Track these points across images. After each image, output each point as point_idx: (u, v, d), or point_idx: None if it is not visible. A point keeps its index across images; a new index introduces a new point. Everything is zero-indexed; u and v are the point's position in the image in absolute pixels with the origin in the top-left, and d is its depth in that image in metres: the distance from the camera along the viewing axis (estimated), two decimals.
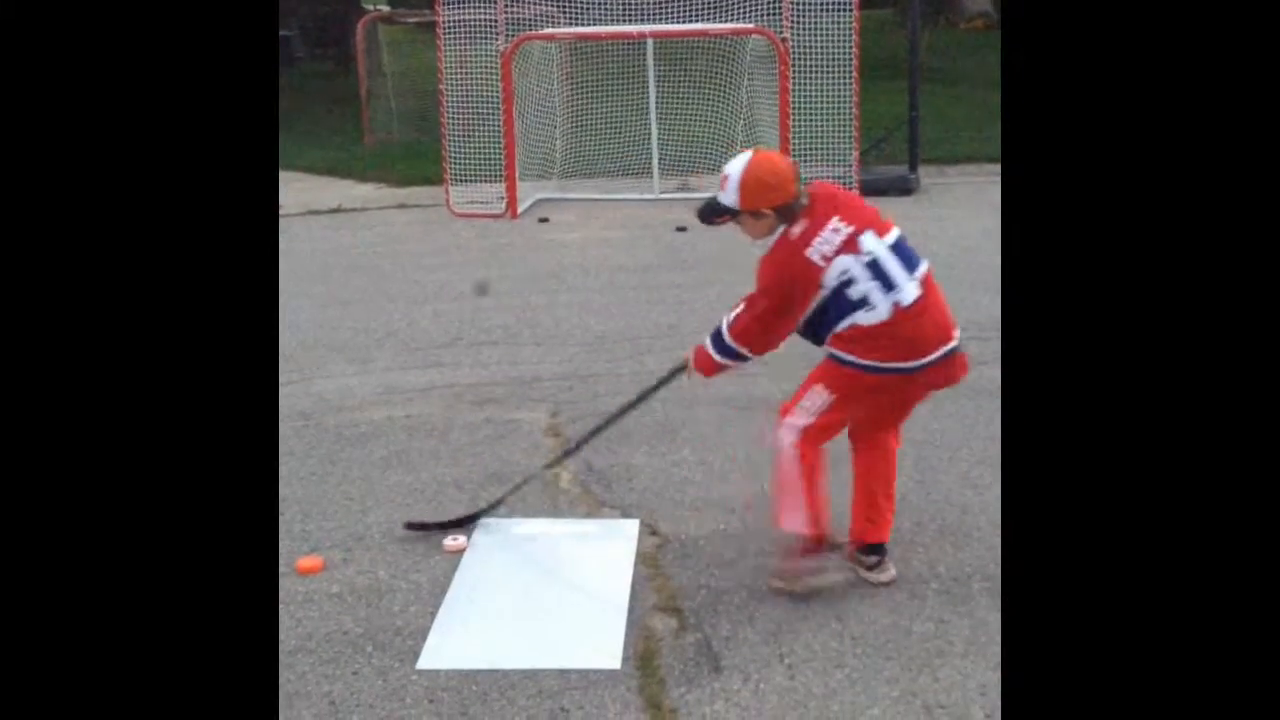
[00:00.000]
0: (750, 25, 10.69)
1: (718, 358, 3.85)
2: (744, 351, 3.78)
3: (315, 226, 10.48)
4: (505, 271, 8.56)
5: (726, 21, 10.84)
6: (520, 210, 10.59)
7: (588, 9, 11.16)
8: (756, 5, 10.76)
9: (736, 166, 3.62)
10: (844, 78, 10.42)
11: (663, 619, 3.69)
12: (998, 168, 10.22)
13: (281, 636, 3.62)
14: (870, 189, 9.87)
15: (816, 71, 10.46)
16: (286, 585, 3.96)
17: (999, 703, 3.17)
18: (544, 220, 10.36)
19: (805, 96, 10.48)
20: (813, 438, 3.65)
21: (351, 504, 4.60)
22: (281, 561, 4.08)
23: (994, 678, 3.30)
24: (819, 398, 3.63)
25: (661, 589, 3.87)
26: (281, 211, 10.09)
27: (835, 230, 3.52)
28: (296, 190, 11.88)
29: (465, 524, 4.29)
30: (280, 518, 4.42)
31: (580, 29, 11.16)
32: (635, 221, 10.23)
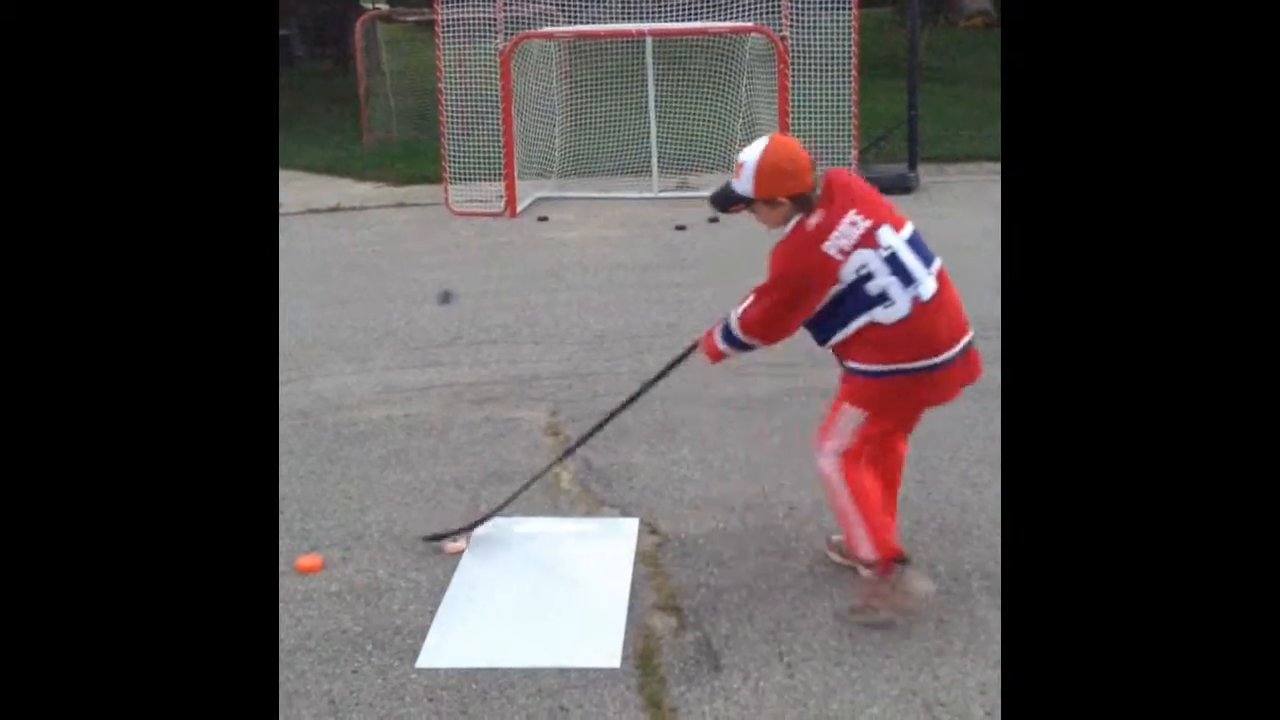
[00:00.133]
0: (749, 24, 10.69)
1: (724, 347, 3.80)
2: (752, 343, 3.71)
3: (314, 225, 10.47)
4: (504, 270, 8.56)
5: (726, 20, 10.84)
6: (519, 209, 10.59)
7: (587, 7, 11.16)
8: (756, 4, 10.76)
9: (753, 153, 3.51)
10: (843, 76, 10.42)
11: (662, 618, 3.69)
12: (997, 166, 10.24)
13: (281, 635, 3.62)
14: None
15: (816, 70, 10.46)
16: (286, 584, 3.95)
17: (999, 701, 3.17)
18: (543, 219, 10.36)
19: (804, 95, 10.48)
20: (854, 456, 3.57)
21: (351, 503, 4.60)
22: (281, 560, 4.07)
23: (994, 676, 3.30)
24: (851, 417, 3.55)
25: (661, 588, 3.87)
26: (280, 210, 10.09)
27: (853, 223, 3.43)
28: (295, 189, 11.87)
29: (477, 526, 4.24)
30: (280, 516, 4.41)
31: (579, 27, 11.16)
32: (634, 220, 10.23)
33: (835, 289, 3.44)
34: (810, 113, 10.46)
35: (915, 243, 3.51)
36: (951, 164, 12.21)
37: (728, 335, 3.75)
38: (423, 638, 3.62)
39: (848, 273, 3.41)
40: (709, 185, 11.18)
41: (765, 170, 3.48)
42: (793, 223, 3.51)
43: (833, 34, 10.44)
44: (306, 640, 3.63)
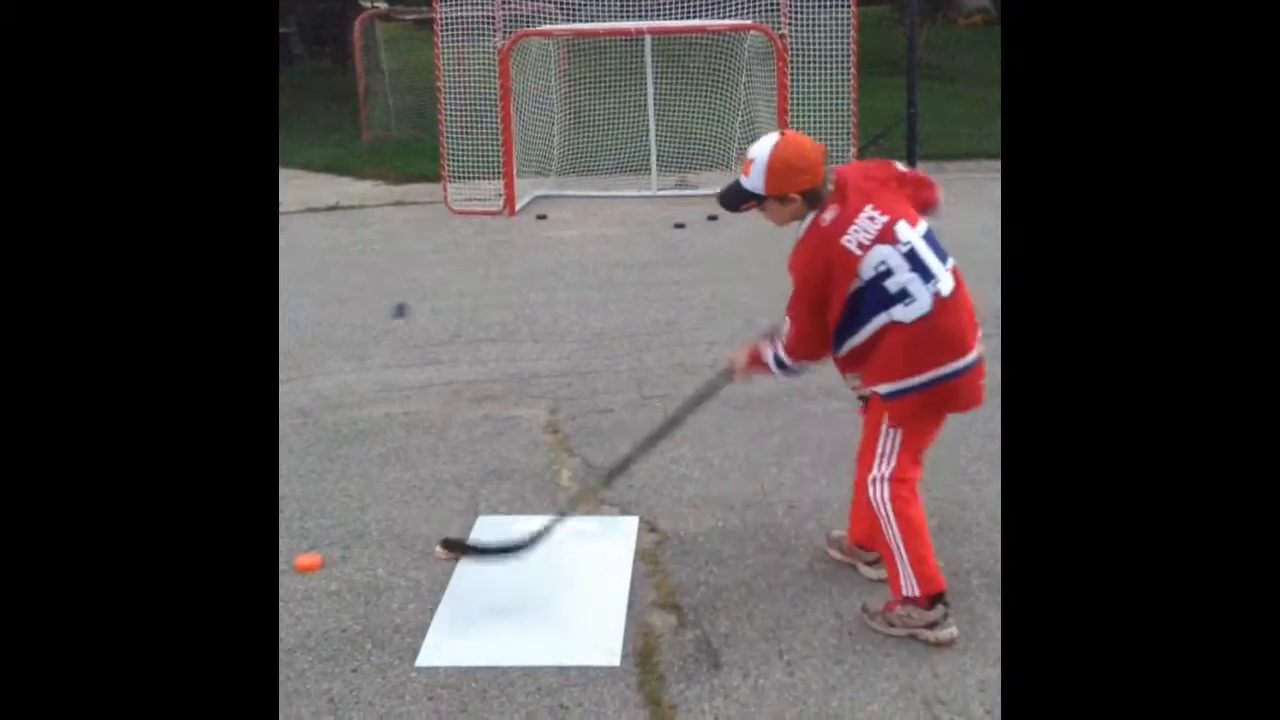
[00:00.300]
0: (748, 21, 10.69)
1: (780, 375, 3.65)
2: (806, 365, 3.59)
3: (313, 224, 10.47)
4: (503, 269, 8.56)
5: (725, 18, 10.84)
6: (518, 207, 10.59)
7: (586, 5, 11.16)
8: (755, 1, 10.76)
9: (763, 149, 3.40)
10: (842, 74, 10.43)
11: (662, 616, 3.69)
12: (997, 164, 10.24)
13: (281, 634, 3.62)
14: None
15: (815, 68, 10.46)
16: (285, 583, 3.95)
17: (999, 699, 3.17)
18: (542, 217, 10.36)
19: (803, 93, 10.48)
20: (906, 483, 3.50)
21: (350, 501, 4.60)
22: (280, 559, 4.07)
23: (993, 673, 3.31)
24: (891, 438, 3.49)
25: (661, 586, 3.87)
26: (280, 209, 10.08)
27: (870, 218, 3.34)
28: (295, 188, 11.87)
29: (495, 555, 4.00)
30: (279, 515, 4.41)
31: (578, 25, 11.16)
32: (633, 218, 10.23)
33: (853, 286, 3.34)
34: (809, 110, 10.46)
35: (930, 238, 3.43)
36: (950, 162, 12.21)
37: (779, 363, 3.59)
38: (422, 636, 3.62)
39: (866, 269, 3.32)
40: (708, 183, 11.24)
41: (776, 166, 3.38)
42: (807, 220, 3.42)
43: (831, 32, 10.44)
44: (306, 639, 3.63)
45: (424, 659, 3.50)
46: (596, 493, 3.94)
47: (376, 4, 20.75)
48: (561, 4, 11.59)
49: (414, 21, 17.60)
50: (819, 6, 10.42)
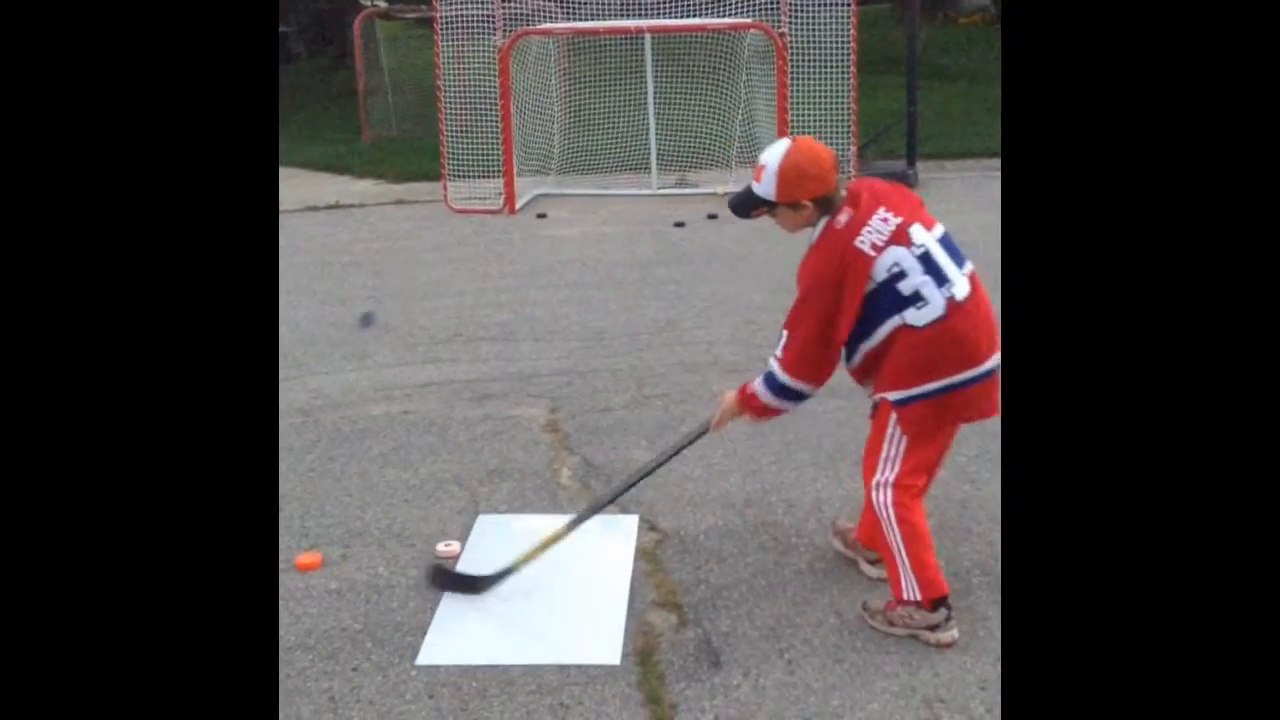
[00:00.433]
0: (748, 20, 10.68)
1: (771, 400, 3.51)
2: (803, 388, 3.46)
3: (313, 223, 10.46)
4: (503, 267, 8.56)
5: (724, 16, 10.83)
6: (518, 206, 10.58)
7: (586, 4, 11.14)
8: (754, 0, 10.75)
9: (774, 155, 3.39)
10: (842, 72, 10.42)
11: (662, 615, 3.69)
12: (997, 162, 10.24)
13: (281, 633, 3.62)
14: None
15: (814, 66, 10.45)
16: (285, 582, 3.96)
17: (999, 698, 3.17)
18: (542, 216, 10.35)
19: (803, 91, 10.46)
20: (909, 489, 3.47)
21: (350, 500, 4.60)
22: (280, 558, 4.08)
23: (994, 673, 3.31)
24: (895, 444, 3.45)
25: (661, 584, 3.87)
26: (280, 208, 10.07)
27: (884, 220, 3.32)
28: (294, 186, 11.86)
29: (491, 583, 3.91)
30: (279, 514, 4.42)
31: (578, 24, 11.15)
32: (633, 217, 10.23)
33: (866, 289, 3.30)
34: (809, 109, 10.45)
35: (946, 242, 3.40)
36: (950, 160, 12.21)
37: (772, 383, 3.48)
38: (422, 635, 3.62)
39: (879, 271, 3.29)
40: (708, 182, 11.24)
41: (787, 172, 3.36)
42: (821, 225, 3.39)
43: (831, 30, 10.42)
44: (306, 637, 3.63)
45: (424, 657, 3.50)
46: (560, 537, 3.91)
47: (376, 2, 20.74)
48: (561, 3, 11.58)
49: (414, 20, 17.60)
50: (819, 5, 10.41)
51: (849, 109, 10.47)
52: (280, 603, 3.79)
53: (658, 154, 11.42)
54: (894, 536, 3.46)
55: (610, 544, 4.16)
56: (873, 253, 3.29)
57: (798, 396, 3.49)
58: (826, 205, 3.38)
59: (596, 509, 4.00)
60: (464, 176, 10.84)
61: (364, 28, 15.42)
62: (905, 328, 3.32)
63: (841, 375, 3.65)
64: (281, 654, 3.52)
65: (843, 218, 3.35)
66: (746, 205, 3.49)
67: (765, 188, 3.40)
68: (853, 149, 10.52)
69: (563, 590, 3.87)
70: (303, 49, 22.05)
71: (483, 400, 5.70)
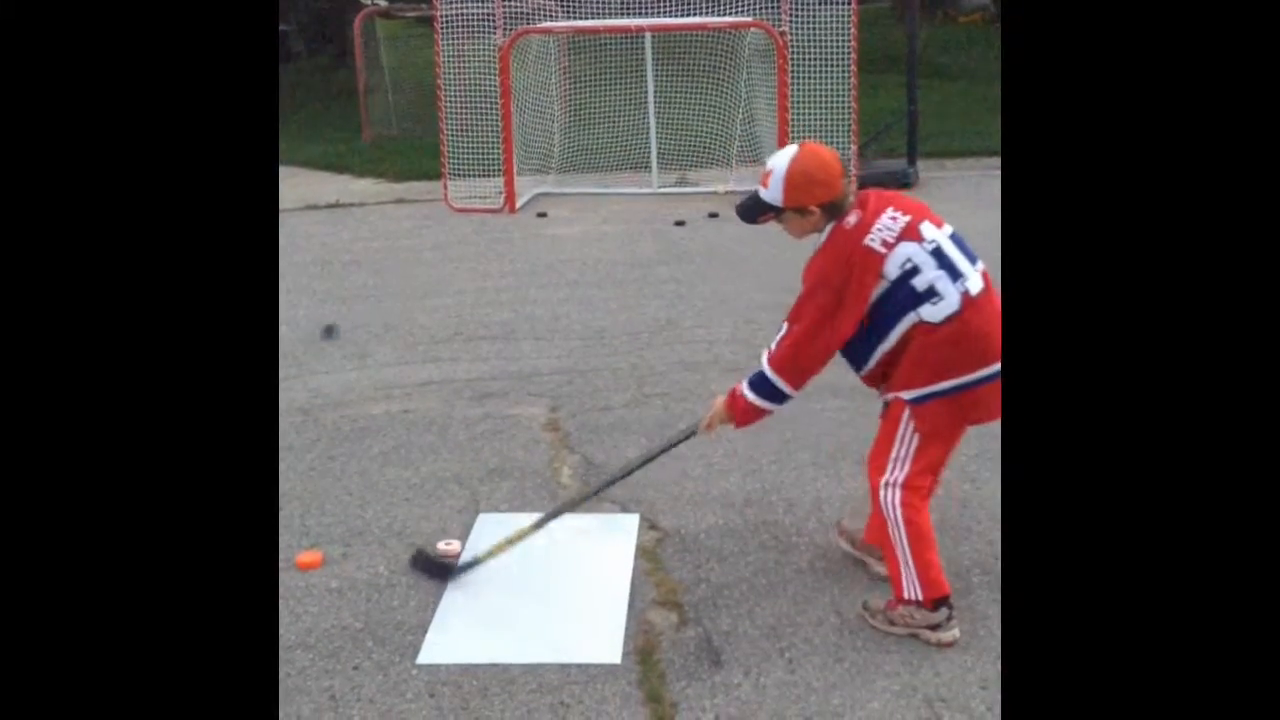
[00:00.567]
0: (749, 19, 10.68)
1: (755, 399, 3.49)
2: (784, 387, 3.43)
3: (313, 222, 10.47)
4: (503, 266, 8.56)
5: (725, 15, 10.83)
6: (518, 205, 10.58)
7: (586, 2, 11.14)
8: None
9: (781, 161, 3.38)
10: (842, 71, 10.42)
11: (663, 613, 3.70)
12: (997, 161, 10.24)
13: (281, 631, 3.62)
14: (869, 183, 9.88)
15: (815, 65, 10.45)
16: (286, 580, 3.96)
17: (1000, 697, 3.17)
18: (542, 215, 10.36)
19: (804, 90, 10.46)
20: (914, 484, 3.45)
21: (350, 499, 4.60)
22: (281, 556, 4.08)
23: (995, 671, 3.31)
24: (907, 444, 3.44)
25: (661, 583, 3.88)
26: (280, 207, 10.08)
27: (893, 218, 3.31)
28: (294, 185, 11.86)
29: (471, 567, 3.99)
30: (280, 513, 4.42)
31: (578, 23, 11.15)
32: (633, 216, 10.23)
33: (879, 288, 3.29)
34: (809, 108, 10.45)
35: (957, 239, 3.40)
36: (951, 159, 12.21)
37: (760, 383, 3.47)
38: (423, 634, 3.62)
39: (892, 268, 3.28)
40: (708, 180, 11.24)
41: (794, 178, 3.35)
42: (829, 227, 3.38)
43: (832, 29, 10.43)
44: (307, 636, 3.63)
45: (425, 656, 3.50)
46: (531, 532, 3.97)
47: (376, 1, 20.74)
48: (562, 1, 11.58)
49: (414, 19, 17.58)
50: (819, 4, 10.41)
51: (849, 108, 10.47)
52: (281, 601, 3.79)
53: (658, 153, 11.42)
54: (899, 536, 3.45)
55: (611, 543, 4.16)
56: (884, 249, 3.28)
57: (780, 397, 3.47)
58: (833, 211, 3.37)
59: (575, 504, 4.06)
60: (464, 175, 10.84)
61: (364, 26, 15.42)
62: (921, 325, 3.30)
63: (841, 374, 3.66)
64: (282, 653, 3.52)
65: (851, 219, 3.34)
66: (754, 211, 3.49)
67: (772, 193, 3.40)
68: (853, 148, 10.52)
69: (563, 589, 3.87)
70: (303, 48, 22.04)
71: (483, 399, 5.70)
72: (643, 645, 3.52)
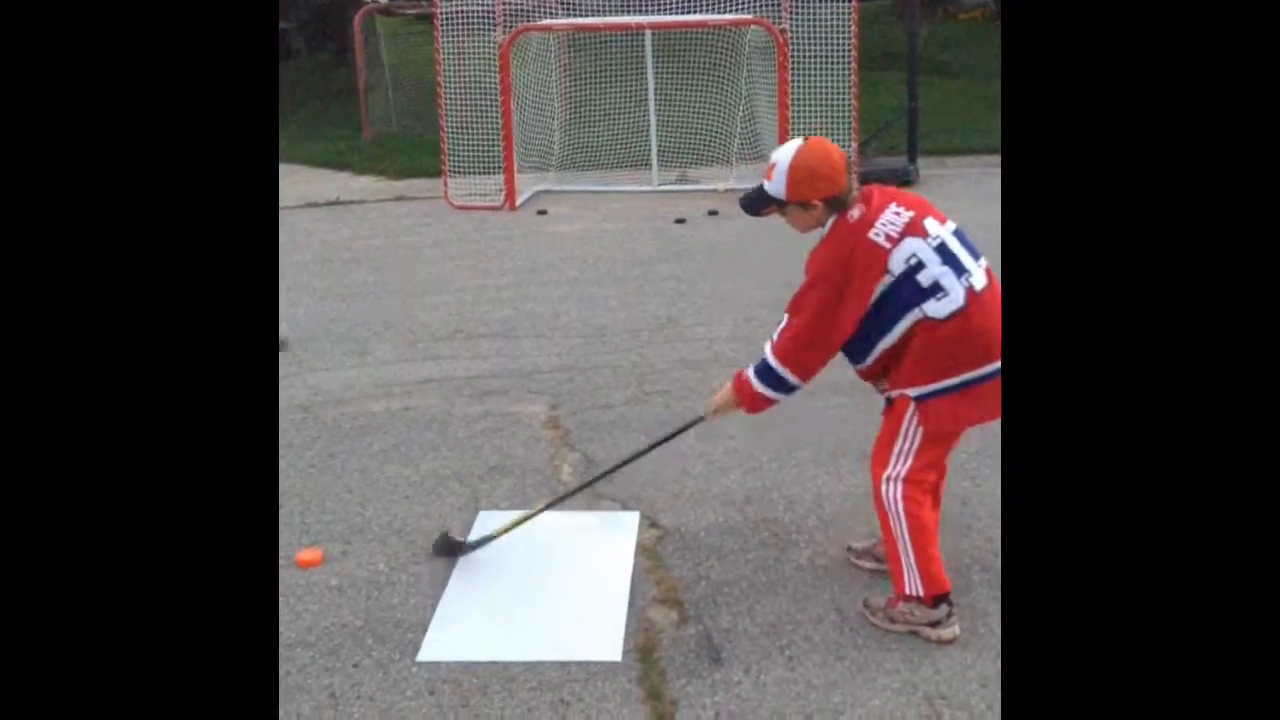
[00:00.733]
0: (749, 16, 10.68)
1: (762, 389, 3.48)
2: (790, 377, 3.42)
3: (313, 219, 10.47)
4: (503, 264, 8.56)
5: (725, 12, 10.83)
6: (519, 202, 10.58)
7: (586, 0, 11.14)
8: None
9: (785, 154, 3.38)
10: (843, 69, 10.41)
11: (663, 611, 3.70)
12: (997, 159, 10.24)
13: (281, 629, 3.62)
14: (869, 180, 9.84)
15: (815, 62, 10.45)
16: (286, 578, 3.96)
17: (1000, 694, 3.17)
18: (542, 212, 10.35)
19: (804, 87, 10.47)
20: (917, 479, 3.44)
21: (351, 496, 4.60)
22: (281, 554, 4.08)
23: (995, 669, 3.31)
24: (910, 439, 3.42)
25: (662, 581, 3.88)
26: (280, 204, 10.08)
27: (897, 213, 3.31)
28: (295, 183, 11.87)
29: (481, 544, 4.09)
30: (280, 511, 4.42)
31: (578, 20, 11.14)
32: (633, 213, 10.23)
33: (883, 283, 3.28)
34: (810, 105, 10.45)
35: (960, 235, 3.39)
36: (951, 156, 12.21)
37: (765, 372, 3.45)
38: (423, 631, 3.62)
39: (896, 262, 3.27)
40: (708, 178, 11.24)
41: (798, 171, 3.35)
42: (831, 220, 3.37)
43: (832, 26, 10.43)
44: (307, 634, 3.63)
45: (425, 654, 3.50)
46: (540, 512, 4.05)
47: None
48: None
49: (414, 16, 17.59)
50: (820, 1, 10.41)
51: (850, 105, 10.47)
52: (281, 599, 3.79)
53: (658, 150, 11.42)
54: (900, 531, 3.44)
55: (611, 541, 4.16)
56: (888, 244, 3.28)
57: (786, 387, 3.46)
58: (837, 205, 3.37)
59: (589, 485, 4.18)
60: (464, 173, 10.84)
61: (364, 24, 15.41)
62: (925, 321, 3.29)
63: (842, 371, 3.66)
64: (282, 650, 3.52)
65: (855, 213, 3.34)
66: (757, 204, 3.49)
67: (776, 186, 3.39)
68: (853, 145, 10.52)
69: (563, 587, 3.87)
70: (303, 45, 22.03)
71: (483, 397, 5.70)
72: (643, 643, 3.52)
